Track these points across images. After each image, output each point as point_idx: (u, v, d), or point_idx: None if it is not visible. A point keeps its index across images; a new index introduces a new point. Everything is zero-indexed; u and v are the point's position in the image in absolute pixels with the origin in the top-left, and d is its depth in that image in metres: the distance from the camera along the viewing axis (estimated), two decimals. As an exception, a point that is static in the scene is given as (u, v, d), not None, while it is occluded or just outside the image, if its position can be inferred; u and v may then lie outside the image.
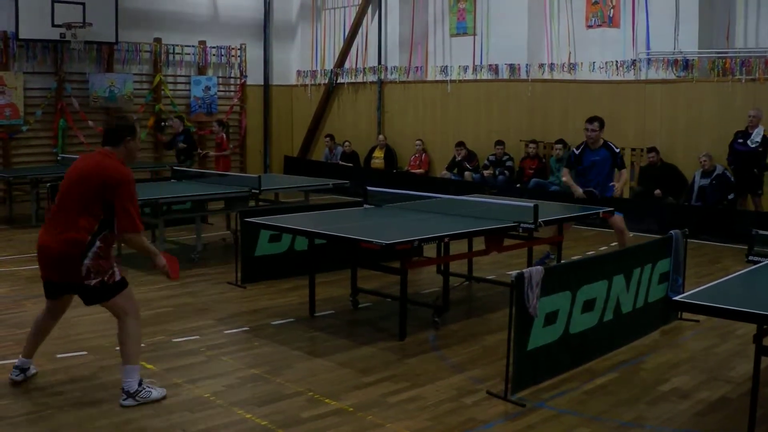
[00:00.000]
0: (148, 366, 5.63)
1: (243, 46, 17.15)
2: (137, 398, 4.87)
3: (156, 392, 4.97)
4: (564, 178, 9.24)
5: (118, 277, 4.87)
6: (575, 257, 8.82)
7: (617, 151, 8.79)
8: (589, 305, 5.71)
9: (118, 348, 5.11)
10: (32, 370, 5.33)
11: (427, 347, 6.18)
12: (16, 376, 5.23)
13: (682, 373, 5.65)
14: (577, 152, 8.89)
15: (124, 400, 4.87)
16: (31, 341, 5.23)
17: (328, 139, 16.78)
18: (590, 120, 8.72)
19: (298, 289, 7.83)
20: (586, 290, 5.65)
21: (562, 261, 8.07)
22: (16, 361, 5.32)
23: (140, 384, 4.92)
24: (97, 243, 4.74)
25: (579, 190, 8.82)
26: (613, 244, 10.41)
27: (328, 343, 6.29)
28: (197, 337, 6.38)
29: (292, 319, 6.92)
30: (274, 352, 6.02)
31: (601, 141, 8.71)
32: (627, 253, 6.52)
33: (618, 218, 8.66)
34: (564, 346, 5.51)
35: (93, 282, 4.76)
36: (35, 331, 5.22)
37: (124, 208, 4.70)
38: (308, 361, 5.84)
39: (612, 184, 8.67)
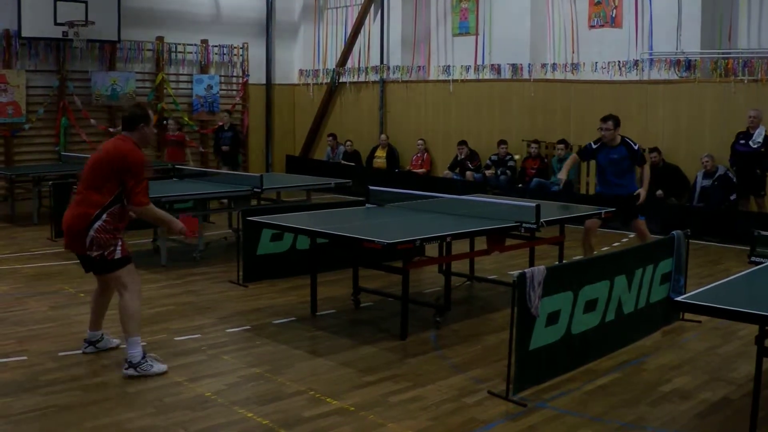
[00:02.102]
0: (150, 364, 5.64)
1: (245, 45, 17.14)
2: (138, 369, 5.30)
3: (156, 367, 5.37)
4: (567, 162, 9.07)
5: (118, 255, 5.31)
6: (577, 257, 8.81)
7: (635, 147, 8.50)
8: (590, 305, 5.71)
9: (119, 343, 5.78)
10: (113, 342, 5.86)
11: (429, 347, 6.18)
12: (85, 348, 5.80)
13: (684, 373, 5.64)
14: (594, 146, 8.60)
15: (126, 369, 5.32)
16: (92, 315, 5.78)
17: (330, 138, 16.78)
18: (604, 119, 8.48)
19: (299, 288, 7.83)
20: (588, 290, 5.65)
21: (564, 261, 8.06)
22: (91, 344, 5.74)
23: (144, 357, 5.34)
24: (104, 216, 5.22)
25: (564, 174, 8.73)
26: (616, 244, 10.41)
27: (329, 342, 6.29)
28: (199, 335, 6.39)
29: (293, 318, 6.92)
30: (276, 351, 6.02)
31: (619, 138, 8.50)
32: (629, 253, 6.51)
33: (641, 222, 8.56)
34: (566, 346, 5.50)
35: (94, 254, 5.27)
36: (93, 306, 5.76)
37: (132, 186, 5.24)
38: (310, 360, 5.84)
39: (637, 192, 8.42)
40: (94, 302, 5.75)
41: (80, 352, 5.82)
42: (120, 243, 5.34)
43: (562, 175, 8.81)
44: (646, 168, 8.72)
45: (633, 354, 6.05)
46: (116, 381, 5.29)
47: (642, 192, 8.45)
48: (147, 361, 5.34)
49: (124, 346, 5.50)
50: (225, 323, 6.76)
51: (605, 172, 8.58)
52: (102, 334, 5.85)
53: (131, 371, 5.30)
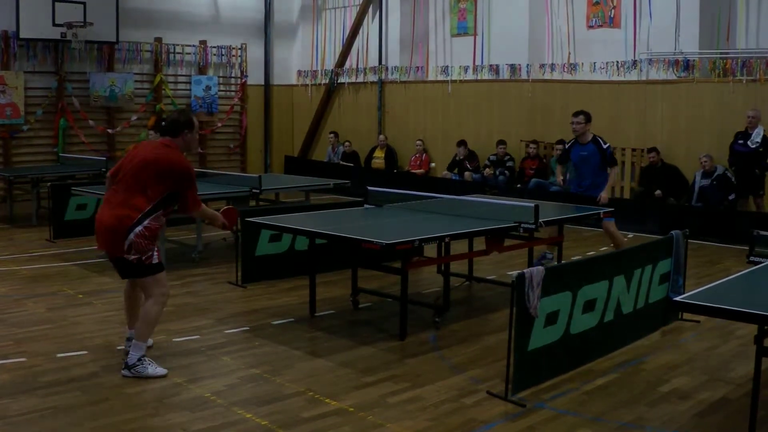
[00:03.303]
0: (149, 365, 5.64)
1: (244, 46, 17.15)
2: (132, 371, 5.32)
3: (152, 369, 5.34)
4: (557, 171, 9.37)
5: (155, 261, 5.33)
6: (576, 257, 8.82)
7: (605, 147, 8.62)
8: (589, 306, 5.71)
9: (119, 347, 5.89)
10: (148, 342, 5.63)
11: (428, 347, 6.18)
12: (127, 346, 5.63)
13: (683, 373, 5.64)
14: (567, 146, 8.88)
15: (123, 369, 5.36)
16: (128, 314, 5.74)
17: (332, 136, 16.78)
18: (575, 114, 8.66)
19: (298, 288, 7.82)
20: (586, 291, 5.65)
21: (563, 261, 8.06)
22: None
23: (140, 359, 5.33)
24: (146, 222, 5.22)
25: (559, 177, 8.98)
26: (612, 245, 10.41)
27: (328, 343, 6.29)
28: (197, 336, 6.38)
29: (292, 319, 6.92)
30: (275, 351, 6.02)
31: (590, 136, 8.64)
32: (628, 253, 6.51)
33: (608, 223, 8.59)
34: (564, 346, 5.50)
35: (132, 257, 5.23)
36: (126, 305, 5.75)
37: (187, 193, 5.38)
38: (309, 361, 5.84)
39: (601, 195, 8.53)
40: (126, 300, 5.75)
41: (76, 354, 5.82)
42: (156, 249, 5.36)
43: (559, 179, 9.08)
44: (614, 170, 8.91)
45: (632, 354, 6.05)
46: (115, 382, 5.28)
47: (603, 194, 8.54)
48: (142, 363, 5.33)
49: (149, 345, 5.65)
50: (224, 324, 6.75)
51: (578, 170, 8.71)
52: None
53: (126, 372, 5.35)
